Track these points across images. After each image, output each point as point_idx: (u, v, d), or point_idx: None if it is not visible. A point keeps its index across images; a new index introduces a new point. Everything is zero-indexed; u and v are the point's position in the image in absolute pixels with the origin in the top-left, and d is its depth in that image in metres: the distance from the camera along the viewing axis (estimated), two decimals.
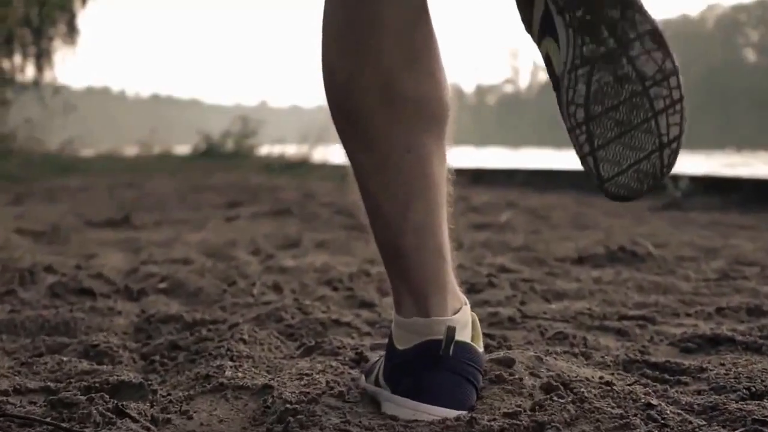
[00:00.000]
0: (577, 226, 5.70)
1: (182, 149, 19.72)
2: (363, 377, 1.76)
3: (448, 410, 1.53)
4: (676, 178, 8.41)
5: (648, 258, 3.42)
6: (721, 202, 7.35)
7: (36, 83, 24.74)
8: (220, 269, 3.23)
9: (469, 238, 4.94)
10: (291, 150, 16.56)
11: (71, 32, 26.14)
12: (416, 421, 1.50)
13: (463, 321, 1.60)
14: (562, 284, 2.91)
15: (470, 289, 2.79)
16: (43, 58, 25.48)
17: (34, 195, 8.70)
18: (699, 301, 2.63)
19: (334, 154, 16.53)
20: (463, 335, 1.59)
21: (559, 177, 10.08)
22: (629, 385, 1.69)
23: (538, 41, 1.52)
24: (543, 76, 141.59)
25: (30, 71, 25.43)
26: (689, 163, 11.46)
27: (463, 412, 1.53)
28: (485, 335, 2.06)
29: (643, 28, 1.41)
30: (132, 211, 6.30)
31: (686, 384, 1.74)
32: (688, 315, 2.41)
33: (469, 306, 1.66)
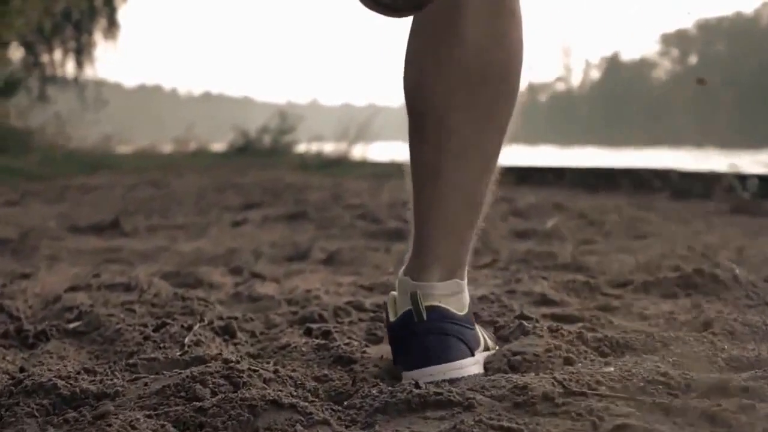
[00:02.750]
0: (635, 235, 4.91)
1: (220, 146, 19.13)
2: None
3: (434, 367, 1.65)
4: (744, 178, 7.56)
5: (734, 285, 2.60)
6: None
7: (76, 79, 24.32)
8: (163, 299, 2.47)
9: (508, 249, 4.17)
10: (330, 147, 15.86)
11: (111, 27, 25.68)
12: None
13: (449, 291, 1.72)
14: (623, 326, 2.13)
15: (495, 333, 2.03)
16: (83, 53, 25.06)
17: (39, 194, 8.04)
18: None
19: (375, 151, 15.91)
20: (445, 302, 1.70)
21: (613, 176, 9.25)
22: None
23: None
24: (595, 74, 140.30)
25: (70, 67, 25.07)
26: (755, 162, 10.57)
27: (456, 362, 1.66)
28: (507, 420, 1.33)
29: None
30: (128, 215, 5.61)
31: None
32: None
33: (464, 282, 1.78)
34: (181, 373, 1.56)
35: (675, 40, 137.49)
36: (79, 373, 1.66)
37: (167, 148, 19.97)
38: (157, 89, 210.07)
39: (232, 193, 8.37)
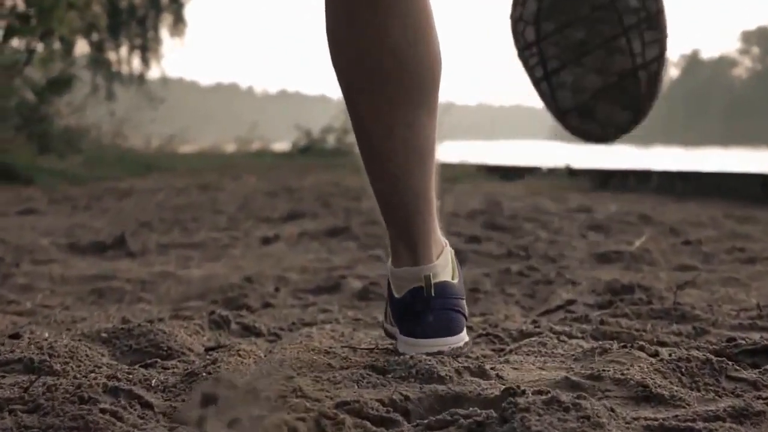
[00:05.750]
0: (740, 258, 4.05)
1: (284, 146, 18.49)
2: (384, 320, 2.05)
3: (446, 338, 1.84)
4: None
5: None
6: None
7: (141, 76, 23.87)
8: (54, 406, 1.65)
9: (588, 280, 3.35)
10: None
11: (178, 23, 25.21)
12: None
13: (444, 262, 1.87)
14: None
15: None
16: (149, 50, 24.62)
17: (69, 200, 7.37)
18: None
19: (443, 151, 15.10)
20: (445, 274, 1.86)
21: (704, 181, 8.33)
22: None
23: None
24: (674, 72, 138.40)
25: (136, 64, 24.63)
26: None
27: (460, 335, 1.86)
28: None
29: None
30: (147, 229, 4.86)
31: None
32: None
33: (448, 245, 1.91)
34: None
35: (756, 38, 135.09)
36: None
37: (230, 148, 19.39)
38: (233, 87, 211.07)
39: (281, 198, 7.64)
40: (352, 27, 1.74)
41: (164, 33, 25.46)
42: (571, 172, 10.18)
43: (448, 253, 1.91)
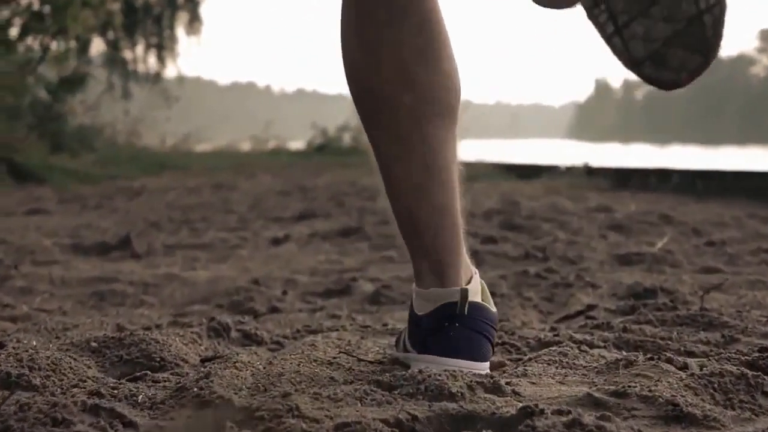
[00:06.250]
0: (766, 260, 3.90)
1: (299, 144, 18.37)
2: (394, 348, 1.92)
3: (468, 362, 1.68)
4: None
5: None
6: None
7: (157, 75, 23.77)
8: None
9: (608, 283, 3.22)
10: None
11: (194, 21, 25.10)
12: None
13: (475, 289, 1.75)
14: None
15: None
16: (165, 49, 24.52)
17: (79, 200, 7.26)
18: None
19: (466, 151, 14.89)
20: (475, 298, 1.73)
21: (725, 180, 8.17)
22: None
23: None
24: None
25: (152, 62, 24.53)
26: None
27: (485, 364, 1.70)
28: None
29: None
30: (155, 229, 4.74)
31: None
32: None
33: (478, 274, 1.80)
34: None
35: None
36: None
37: (246, 146, 19.27)
38: (250, 86, 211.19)
39: (294, 198, 7.51)
40: (368, 51, 1.71)
41: (180, 31, 25.35)
42: (589, 171, 10.01)
43: (479, 282, 1.79)
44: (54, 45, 13.75)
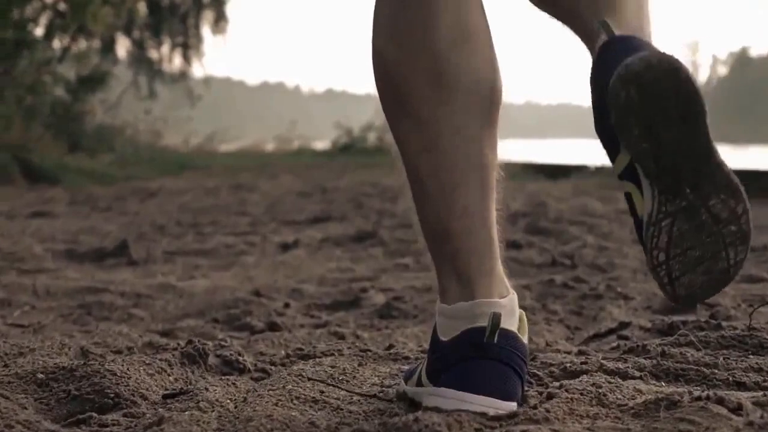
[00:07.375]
0: None
1: (324, 144, 18.15)
2: (402, 382, 1.68)
3: (493, 400, 1.46)
4: None
5: None
6: None
7: (183, 74, 23.59)
8: None
9: (642, 294, 2.95)
10: None
11: (219, 21, 24.91)
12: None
13: (510, 307, 1.53)
14: None
15: None
16: (190, 48, 24.34)
17: (90, 201, 7.02)
18: None
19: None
20: (509, 324, 1.52)
21: (762, 180, 7.82)
22: None
23: (619, 177, 1.54)
24: (722, 70, 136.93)
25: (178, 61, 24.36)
26: None
27: (512, 404, 1.46)
28: None
29: (720, 181, 1.43)
30: (160, 233, 4.49)
31: None
32: None
33: (516, 296, 1.57)
34: None
35: None
36: None
37: (271, 146, 19.06)
38: (279, 86, 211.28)
39: (313, 199, 7.25)
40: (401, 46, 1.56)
41: (206, 31, 25.17)
42: None
43: (515, 301, 1.57)
44: (76, 43, 13.56)
